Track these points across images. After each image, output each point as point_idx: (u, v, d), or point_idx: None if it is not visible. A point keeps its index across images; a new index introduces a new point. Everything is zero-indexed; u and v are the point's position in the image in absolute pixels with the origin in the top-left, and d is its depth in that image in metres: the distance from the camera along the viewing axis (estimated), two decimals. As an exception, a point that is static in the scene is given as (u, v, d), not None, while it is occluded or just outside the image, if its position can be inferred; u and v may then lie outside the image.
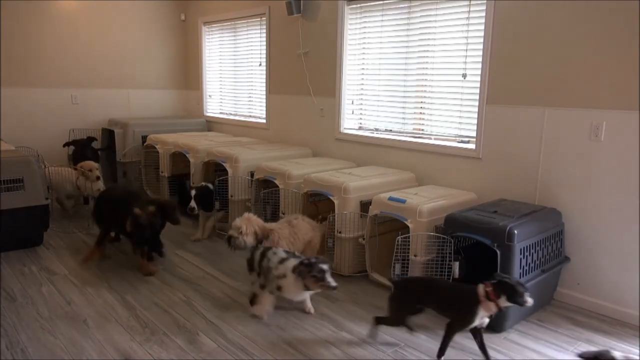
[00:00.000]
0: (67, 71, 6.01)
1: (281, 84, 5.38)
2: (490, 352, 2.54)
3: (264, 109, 5.69)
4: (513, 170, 3.47)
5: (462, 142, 3.83)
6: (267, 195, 4.17)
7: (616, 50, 2.91)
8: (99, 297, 3.15)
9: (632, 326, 2.94)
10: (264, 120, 5.70)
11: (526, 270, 2.86)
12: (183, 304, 3.09)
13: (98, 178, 4.67)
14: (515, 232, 2.77)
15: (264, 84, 5.62)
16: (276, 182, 4.08)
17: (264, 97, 5.66)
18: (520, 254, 2.80)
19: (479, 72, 3.60)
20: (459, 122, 3.85)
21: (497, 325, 2.81)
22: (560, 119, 3.20)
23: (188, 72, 6.96)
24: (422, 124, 4.13)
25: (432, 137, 4.05)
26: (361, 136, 4.56)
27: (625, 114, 2.92)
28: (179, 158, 5.11)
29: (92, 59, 6.17)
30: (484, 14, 3.53)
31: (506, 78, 3.44)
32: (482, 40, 3.56)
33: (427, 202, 3.29)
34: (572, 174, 3.18)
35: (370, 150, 4.44)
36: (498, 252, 2.78)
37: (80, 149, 5.55)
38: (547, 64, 3.23)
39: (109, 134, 5.97)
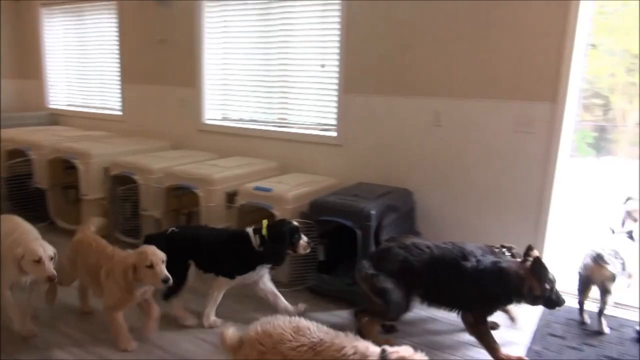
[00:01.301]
0: None
1: (138, 73, 5.05)
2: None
3: (120, 99, 5.30)
4: (370, 155, 3.70)
5: (324, 130, 3.98)
6: (125, 192, 3.91)
7: (451, 46, 3.25)
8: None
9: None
10: (120, 112, 5.31)
11: (384, 248, 3.07)
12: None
13: None
14: (373, 212, 2.96)
15: (118, 73, 5.23)
16: (135, 177, 3.84)
17: (119, 87, 5.27)
18: (379, 233, 3.00)
19: (337, 62, 3.76)
20: (321, 111, 3.99)
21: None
22: (408, 107, 3.49)
23: (25, 59, 6.17)
24: (286, 113, 4.20)
25: (296, 126, 4.14)
26: (225, 127, 4.49)
27: (458, 101, 3.28)
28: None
29: None
30: (339, 7, 3.68)
31: (360, 69, 3.65)
32: (338, 32, 3.71)
33: (293, 190, 3.36)
34: (420, 157, 3.49)
35: (235, 140, 4.40)
36: (358, 232, 2.95)
37: None
38: (395, 57, 3.49)
39: None
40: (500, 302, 2.50)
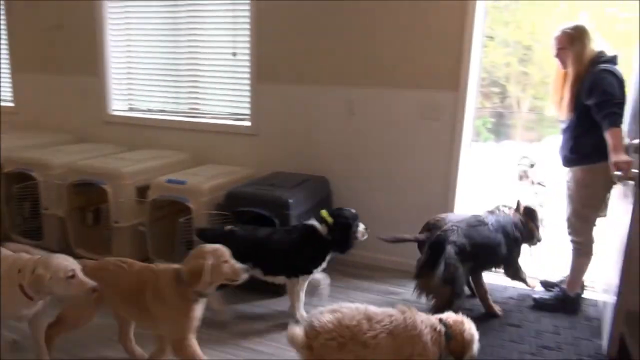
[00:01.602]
0: None
1: (31, 61, 4.64)
2: (282, 317, 2.70)
3: (10, 89, 4.84)
4: (286, 144, 3.70)
5: (238, 120, 3.91)
6: (22, 190, 3.60)
7: (362, 37, 3.33)
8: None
9: (386, 269, 3.47)
10: (11, 104, 4.86)
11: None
12: None
13: None
14: (291, 201, 2.98)
15: (7, 61, 4.77)
16: (33, 174, 3.54)
17: (9, 76, 4.81)
18: (297, 220, 3.03)
19: (248, 51, 3.70)
20: (234, 101, 3.91)
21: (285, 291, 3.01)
22: (323, 96, 3.53)
23: None
24: (198, 103, 4.07)
25: (208, 115, 4.03)
26: (133, 118, 4.27)
27: (370, 90, 3.37)
28: None
29: None
30: (248, -7, 3.62)
31: (273, 58, 3.62)
32: (248, 20, 3.65)
33: (208, 181, 3.29)
34: (335, 145, 3.56)
35: (145, 132, 4.19)
36: (276, 221, 2.96)
37: None
38: (307, 47, 3.50)
39: None
40: (520, 246, 2.89)
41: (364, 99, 3.41)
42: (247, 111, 3.83)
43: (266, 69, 3.66)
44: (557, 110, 2.80)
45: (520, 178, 3.71)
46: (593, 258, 2.83)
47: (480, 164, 4.30)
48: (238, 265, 2.10)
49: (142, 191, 3.35)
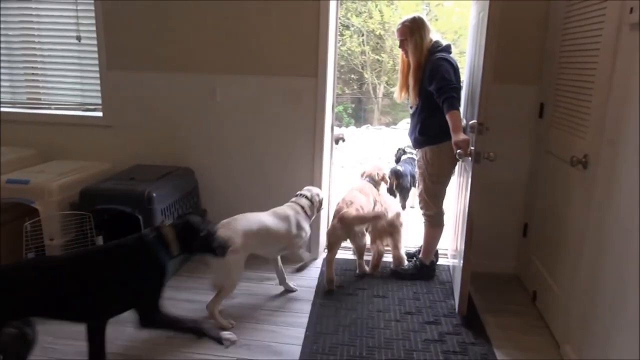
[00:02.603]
0: None
1: None
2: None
3: None
4: (146, 135, 3.49)
5: (87, 110, 3.59)
6: None
7: (225, 24, 3.24)
8: None
9: (255, 255, 3.46)
10: None
11: (170, 230, 2.97)
12: None
13: None
14: (154, 195, 2.83)
15: None
16: None
17: None
18: (162, 214, 2.89)
19: (95, 35, 3.39)
20: (82, 89, 3.58)
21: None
22: (184, 83, 3.38)
23: None
24: (38, 92, 3.64)
25: (53, 106, 3.63)
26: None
27: (233, 77, 3.32)
28: None
29: None
30: (90, -29, 3.30)
31: (125, 43, 3.36)
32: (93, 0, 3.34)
33: (57, 179, 2.98)
34: (199, 134, 3.44)
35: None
36: (140, 217, 2.79)
37: None
38: (165, 32, 3.31)
39: None
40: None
41: (228, 86, 3.34)
42: (98, 100, 3.52)
43: (118, 54, 3.39)
44: (405, 97, 3.04)
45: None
46: (444, 228, 3.15)
47: (345, 146, 4.53)
48: None
49: (-25, 195, 2.92)
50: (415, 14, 2.91)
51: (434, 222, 3.09)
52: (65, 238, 2.88)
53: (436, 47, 2.82)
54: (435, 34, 2.90)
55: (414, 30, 2.82)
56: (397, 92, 3.11)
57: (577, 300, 2.26)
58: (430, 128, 2.86)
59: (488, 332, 2.58)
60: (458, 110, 2.69)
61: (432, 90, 2.75)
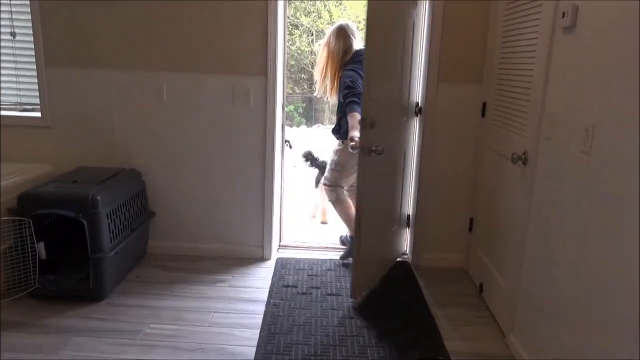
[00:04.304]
0: None
1: None
2: (98, 323, 2.48)
3: None
4: (90, 135, 3.35)
5: (25, 110, 3.40)
6: None
7: (172, 22, 3.16)
8: None
9: (206, 258, 3.44)
10: None
11: (115, 234, 2.88)
12: None
13: None
14: (99, 198, 2.72)
15: None
16: None
17: None
18: (108, 218, 2.79)
19: (31, 31, 3.22)
20: (18, 88, 3.39)
21: (95, 294, 2.76)
22: (128, 81, 3.26)
23: None
24: (-31, 92, 3.42)
25: (-15, 107, 3.42)
26: None
27: (180, 75, 3.25)
28: None
29: None
30: (25, -36, 3.13)
31: (63, 39, 3.21)
32: (28, -6, 3.17)
33: (-9, 184, 2.80)
34: (145, 134, 3.34)
35: None
36: (84, 222, 2.68)
37: None
38: (107, 29, 3.19)
39: None
40: None
41: (175, 85, 3.27)
42: (36, 100, 3.34)
43: (56, 51, 3.24)
44: (329, 96, 3.41)
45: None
46: (349, 201, 3.38)
47: (297, 145, 4.53)
48: None
49: None
50: (343, 22, 3.28)
51: (337, 201, 3.36)
52: (4, 245, 2.72)
53: (355, 58, 3.17)
54: (361, 43, 3.20)
55: (337, 36, 3.22)
56: (320, 89, 3.42)
57: (521, 291, 2.37)
58: (342, 126, 3.21)
59: (437, 324, 2.66)
60: (356, 111, 3.02)
61: (341, 99, 3.17)
